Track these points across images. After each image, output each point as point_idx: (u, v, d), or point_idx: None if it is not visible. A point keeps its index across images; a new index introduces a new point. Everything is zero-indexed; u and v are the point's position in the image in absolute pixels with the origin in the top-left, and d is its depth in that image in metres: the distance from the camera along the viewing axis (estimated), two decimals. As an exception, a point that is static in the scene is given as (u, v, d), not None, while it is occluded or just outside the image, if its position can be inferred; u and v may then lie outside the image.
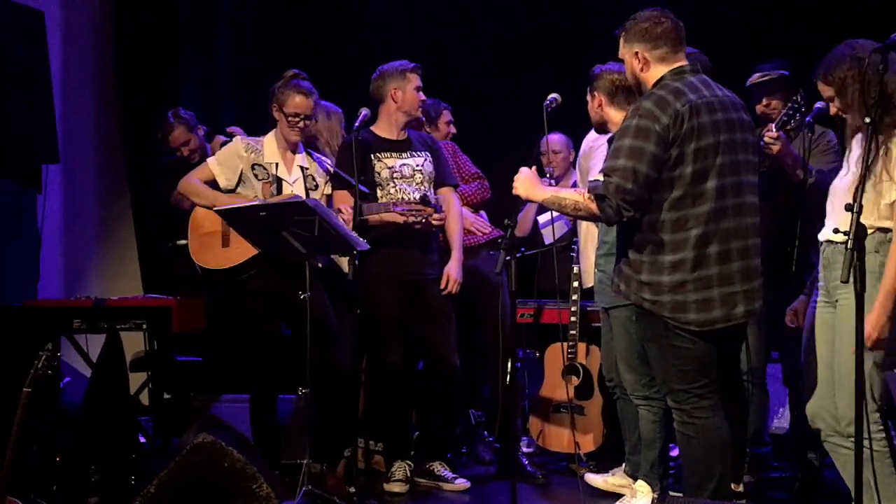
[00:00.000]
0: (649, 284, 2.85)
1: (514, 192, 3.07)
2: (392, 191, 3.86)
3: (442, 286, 3.82)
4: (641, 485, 3.41)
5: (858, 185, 2.44)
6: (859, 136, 2.80)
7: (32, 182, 4.65)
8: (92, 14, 5.58)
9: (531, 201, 3.24)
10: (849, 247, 2.36)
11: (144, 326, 4.03)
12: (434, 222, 3.71)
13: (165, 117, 4.73)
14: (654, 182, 2.80)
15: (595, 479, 3.80)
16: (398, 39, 5.54)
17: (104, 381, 3.97)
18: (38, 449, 3.79)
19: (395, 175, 3.88)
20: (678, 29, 2.94)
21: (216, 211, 3.41)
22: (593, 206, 2.86)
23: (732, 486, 3.42)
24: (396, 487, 3.89)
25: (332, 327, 3.72)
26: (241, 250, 3.61)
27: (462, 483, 3.91)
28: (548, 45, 5.31)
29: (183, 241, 3.80)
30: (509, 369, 3.23)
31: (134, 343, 4.35)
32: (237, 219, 3.32)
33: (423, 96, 3.94)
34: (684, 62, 2.94)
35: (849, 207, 2.40)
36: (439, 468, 3.96)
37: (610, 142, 3.31)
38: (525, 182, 3.04)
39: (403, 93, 3.86)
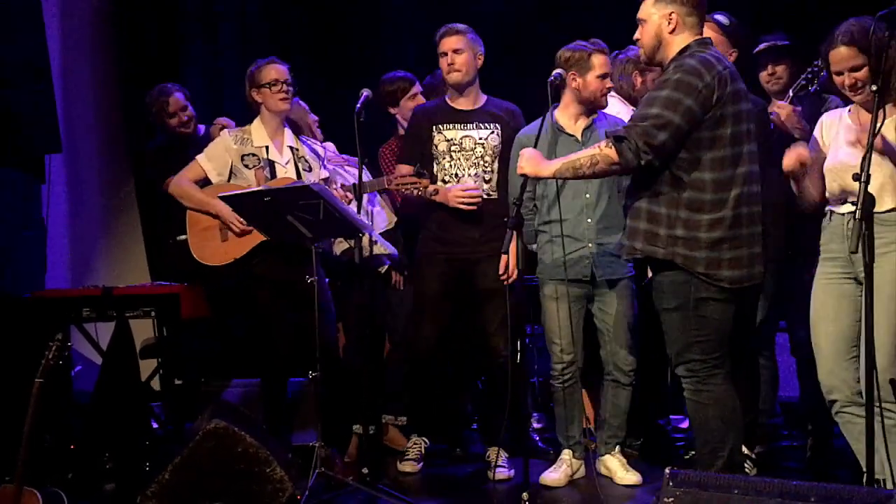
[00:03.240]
0: (685, 240, 2.88)
1: (520, 171, 3.11)
2: (447, 165, 3.79)
3: (500, 271, 3.58)
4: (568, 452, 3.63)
5: (866, 154, 2.42)
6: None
7: (36, 172, 4.66)
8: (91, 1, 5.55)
9: (541, 178, 3.22)
10: (857, 217, 2.35)
11: (153, 314, 4.06)
12: (429, 196, 3.68)
13: (163, 87, 4.54)
14: (685, 135, 2.85)
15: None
16: (407, 24, 5.50)
17: (114, 369, 3.99)
18: (51, 438, 3.81)
19: (452, 148, 3.79)
20: (706, 4, 3.03)
21: (221, 198, 3.40)
22: (611, 152, 2.88)
23: (745, 450, 3.46)
24: (408, 467, 3.90)
25: (331, 310, 3.73)
26: (241, 243, 3.62)
27: (503, 473, 3.71)
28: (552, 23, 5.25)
29: (183, 237, 3.78)
30: (518, 347, 3.22)
31: (144, 330, 4.38)
32: (242, 205, 3.32)
33: (453, 65, 3.73)
34: (703, 35, 3.02)
35: (856, 177, 2.39)
36: (494, 455, 3.77)
37: None
38: (530, 160, 3.09)
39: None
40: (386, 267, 4.15)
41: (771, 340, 3.89)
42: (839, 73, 2.86)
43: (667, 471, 2.21)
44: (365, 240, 3.49)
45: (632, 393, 3.58)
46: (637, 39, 3.05)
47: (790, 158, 2.97)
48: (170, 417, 4.36)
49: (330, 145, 4.24)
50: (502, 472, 3.71)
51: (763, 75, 3.79)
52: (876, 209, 2.67)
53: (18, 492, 2.91)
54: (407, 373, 4.00)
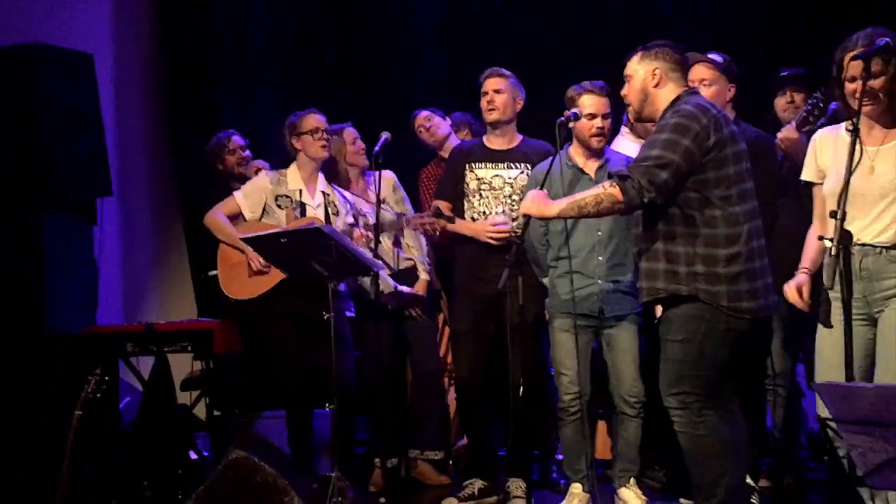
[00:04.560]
0: (705, 275, 2.96)
1: (524, 212, 3.22)
2: (476, 203, 3.93)
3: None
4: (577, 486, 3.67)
5: (843, 188, 2.45)
6: None
7: (88, 215, 4.96)
8: (140, 52, 5.91)
9: (545, 218, 3.32)
10: (832, 253, 2.39)
11: (189, 348, 4.28)
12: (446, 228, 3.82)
13: (223, 132, 4.86)
14: (685, 174, 2.95)
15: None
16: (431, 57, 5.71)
17: (153, 401, 4.22)
18: (93, 467, 4.03)
19: (482, 187, 3.93)
20: (687, 60, 3.21)
21: (243, 239, 3.62)
22: (615, 191, 2.96)
23: (750, 481, 3.47)
24: (451, 502, 3.93)
25: (350, 345, 3.89)
26: (266, 279, 3.83)
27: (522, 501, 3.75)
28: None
29: (214, 272, 4.01)
30: (521, 381, 3.31)
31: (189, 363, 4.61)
32: (262, 246, 3.52)
33: (492, 104, 3.89)
34: (689, 87, 3.17)
35: (833, 214, 2.43)
36: (514, 486, 3.84)
37: None
38: (535, 201, 3.18)
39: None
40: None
41: (793, 372, 3.89)
42: (853, 80, 2.75)
43: (682, 501, 2.27)
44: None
45: (642, 425, 3.61)
46: (625, 95, 3.17)
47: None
48: (213, 447, 4.58)
49: (389, 173, 4.29)
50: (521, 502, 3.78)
51: (780, 101, 3.83)
52: (885, 242, 2.70)
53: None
54: (458, 411, 4.13)
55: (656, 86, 3.09)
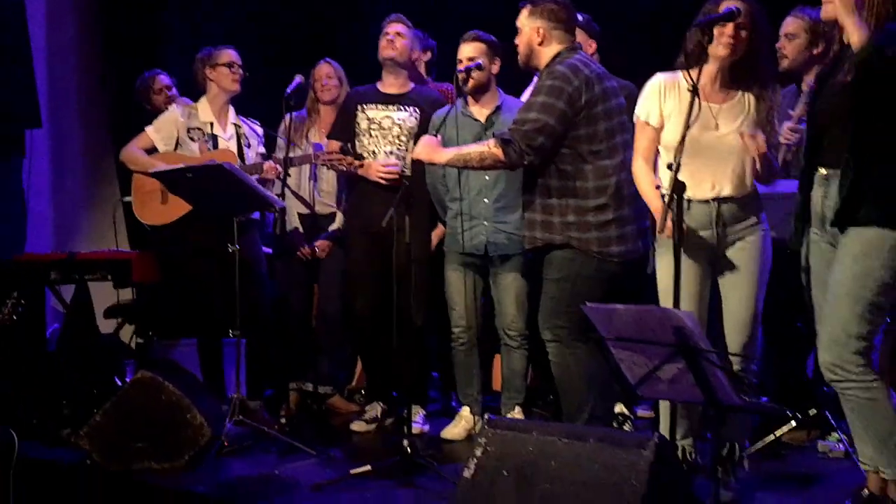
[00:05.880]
0: (577, 224, 3.25)
1: (415, 156, 3.49)
2: (366, 142, 4.09)
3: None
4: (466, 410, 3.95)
5: (680, 144, 2.69)
6: None
7: (16, 147, 5.09)
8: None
9: (434, 164, 3.57)
10: (666, 202, 2.65)
11: (109, 277, 4.48)
12: (359, 172, 4.00)
13: (152, 71, 4.99)
14: (560, 135, 3.21)
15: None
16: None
17: (73, 326, 4.43)
18: (13, 385, 4.24)
19: (372, 127, 4.10)
20: (575, 18, 3.41)
21: (150, 174, 3.81)
22: (498, 152, 3.26)
23: (625, 410, 3.81)
24: (357, 426, 4.18)
25: (261, 275, 4.11)
26: (179, 206, 4.01)
27: (418, 427, 3.97)
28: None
29: (128, 198, 4.20)
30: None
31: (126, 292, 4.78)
32: (170, 181, 3.71)
33: (392, 43, 4.00)
34: (574, 41, 3.37)
35: (669, 167, 2.69)
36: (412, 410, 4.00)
37: None
38: (425, 147, 3.46)
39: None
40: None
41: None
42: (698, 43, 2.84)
43: (486, 416, 2.57)
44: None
45: (526, 356, 3.90)
46: (517, 45, 3.39)
47: None
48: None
49: None
50: (417, 427, 4.06)
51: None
52: (737, 193, 2.97)
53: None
54: (354, 343, 4.35)
55: (540, 43, 3.34)
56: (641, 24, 4.99)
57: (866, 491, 2.76)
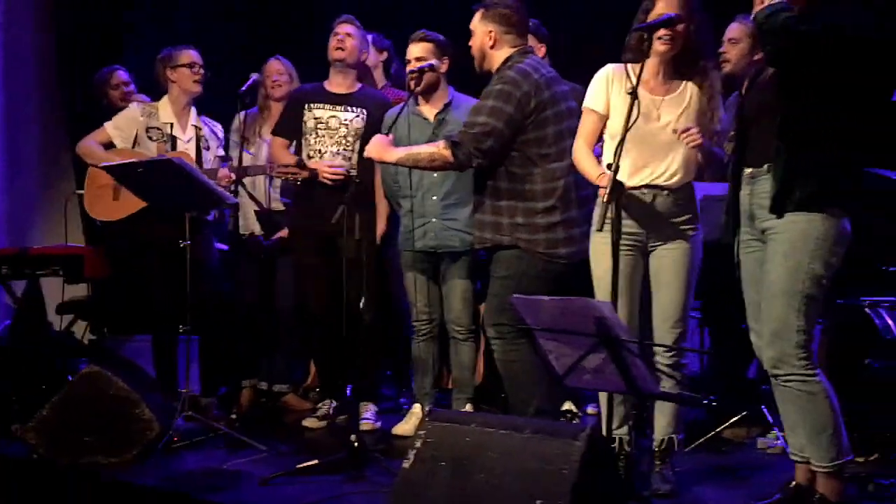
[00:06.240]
0: (525, 226, 3.31)
1: (366, 155, 3.54)
2: (313, 141, 4.11)
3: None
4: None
5: (619, 143, 2.76)
6: None
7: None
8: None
9: (384, 162, 3.61)
10: (604, 200, 2.72)
11: (60, 272, 4.47)
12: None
13: (110, 66, 4.96)
14: (509, 138, 3.27)
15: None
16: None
17: (23, 322, 4.41)
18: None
19: (319, 126, 4.12)
20: (527, 21, 3.46)
21: (102, 167, 3.82)
22: (448, 154, 3.31)
23: (574, 408, 3.88)
24: (309, 422, 4.21)
25: (214, 272, 4.14)
26: (130, 203, 4.01)
27: (369, 423, 4.04)
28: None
29: (81, 192, 4.20)
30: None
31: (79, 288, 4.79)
32: (121, 175, 3.72)
33: (342, 44, 4.03)
34: (526, 45, 3.43)
35: (609, 167, 2.76)
36: (362, 408, 4.12)
37: None
38: (377, 146, 3.49)
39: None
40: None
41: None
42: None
43: (427, 408, 2.61)
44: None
45: (474, 349, 3.96)
46: (471, 46, 3.45)
47: None
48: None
49: None
50: (368, 423, 4.11)
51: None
52: (675, 184, 3.04)
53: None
54: (308, 341, 4.35)
55: (492, 46, 3.40)
56: (590, 25, 5.08)
57: (795, 483, 2.85)
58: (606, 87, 3.08)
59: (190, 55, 4.22)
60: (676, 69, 3.05)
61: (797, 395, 2.73)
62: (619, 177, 2.72)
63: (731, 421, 3.75)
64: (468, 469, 2.40)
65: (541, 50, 3.98)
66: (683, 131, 2.92)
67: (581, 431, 2.35)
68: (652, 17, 2.93)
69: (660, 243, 3.08)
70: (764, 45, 2.68)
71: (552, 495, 2.24)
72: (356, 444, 3.41)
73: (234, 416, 4.06)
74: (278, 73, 4.41)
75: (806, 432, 2.77)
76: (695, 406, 2.96)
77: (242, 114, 4.12)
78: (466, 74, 3.75)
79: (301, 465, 3.37)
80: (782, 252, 2.70)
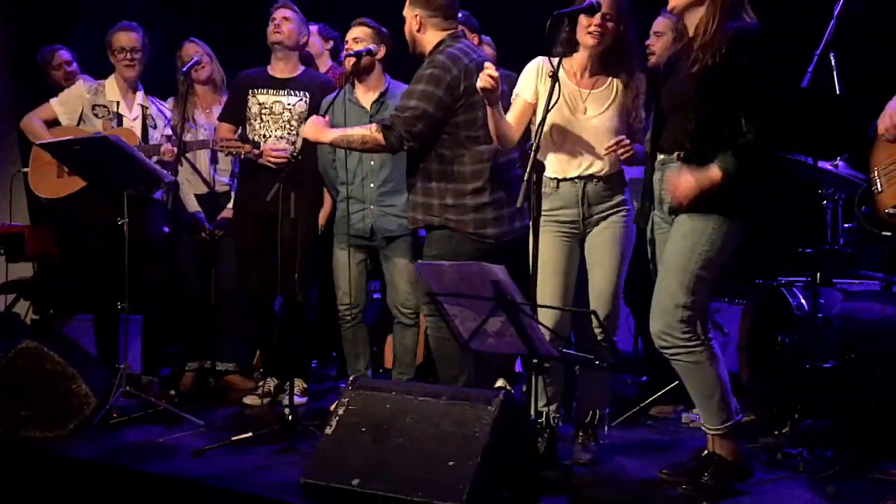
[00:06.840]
0: (454, 207, 3.40)
1: (303, 135, 3.61)
2: (257, 126, 4.17)
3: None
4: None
5: (539, 126, 2.86)
6: None
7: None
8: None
9: (320, 143, 3.68)
10: (525, 178, 2.82)
11: (2, 251, 4.49)
12: (255, 159, 4.10)
13: (52, 46, 4.96)
14: (440, 122, 3.35)
15: None
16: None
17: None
18: None
19: (263, 111, 4.17)
20: (453, 5, 3.51)
21: (38, 145, 3.85)
22: (379, 136, 3.39)
23: (505, 384, 3.99)
24: (249, 400, 4.28)
25: (156, 252, 4.18)
26: (74, 180, 4.04)
27: (299, 400, 4.07)
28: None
29: (25, 170, 4.21)
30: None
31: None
32: (58, 152, 3.74)
33: (279, 28, 4.11)
34: (456, 29, 3.50)
35: (529, 146, 2.86)
36: (296, 386, 4.10)
37: None
38: (313, 127, 3.57)
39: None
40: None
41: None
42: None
43: (350, 378, 2.71)
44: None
45: (418, 332, 4.04)
46: (406, 32, 3.52)
47: None
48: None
49: None
50: (299, 399, 4.16)
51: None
52: (603, 173, 3.17)
53: None
54: (247, 320, 4.42)
55: (419, 30, 3.47)
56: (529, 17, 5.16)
57: (707, 451, 2.99)
58: (536, 78, 3.19)
59: (119, 38, 4.22)
60: (604, 65, 3.17)
61: (684, 365, 2.88)
62: (551, 172, 2.80)
63: (656, 395, 3.90)
64: (387, 433, 2.49)
65: (474, 39, 4.06)
66: (615, 143, 3.07)
67: (494, 398, 2.46)
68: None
69: (593, 227, 3.20)
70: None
71: (464, 456, 2.34)
72: (290, 417, 3.49)
73: (173, 393, 4.11)
74: (197, 55, 4.41)
75: (697, 398, 2.93)
76: (587, 367, 3.08)
77: (174, 98, 4.16)
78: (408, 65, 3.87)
79: (235, 438, 3.44)
80: (681, 232, 2.84)
